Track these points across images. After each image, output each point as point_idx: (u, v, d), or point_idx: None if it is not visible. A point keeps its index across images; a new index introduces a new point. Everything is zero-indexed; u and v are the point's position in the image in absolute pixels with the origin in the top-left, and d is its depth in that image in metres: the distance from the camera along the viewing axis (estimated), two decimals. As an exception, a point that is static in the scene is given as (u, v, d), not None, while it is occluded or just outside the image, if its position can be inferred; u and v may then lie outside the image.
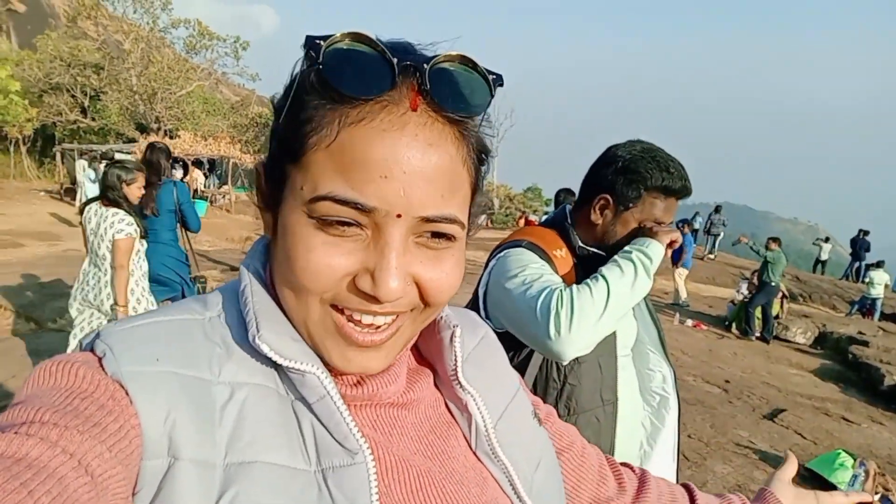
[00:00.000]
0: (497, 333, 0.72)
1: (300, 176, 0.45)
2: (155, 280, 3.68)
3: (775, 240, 9.48)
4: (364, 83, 0.42)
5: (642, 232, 1.33)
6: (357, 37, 0.43)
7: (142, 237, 3.37)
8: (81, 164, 15.56)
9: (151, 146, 4.10)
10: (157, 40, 23.94)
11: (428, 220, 0.45)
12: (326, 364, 0.48)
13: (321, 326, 0.47)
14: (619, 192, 1.34)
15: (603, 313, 1.18)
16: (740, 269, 14.96)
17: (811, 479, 3.73)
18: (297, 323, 0.48)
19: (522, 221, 17.83)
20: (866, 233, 17.48)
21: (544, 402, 0.77)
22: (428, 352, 0.61)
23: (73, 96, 22.73)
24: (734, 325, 9.51)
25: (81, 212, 3.43)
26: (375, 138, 0.42)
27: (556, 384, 1.34)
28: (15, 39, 26.47)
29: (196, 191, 16.94)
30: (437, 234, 0.46)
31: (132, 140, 20.84)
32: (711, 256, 17.70)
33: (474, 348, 0.63)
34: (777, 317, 9.36)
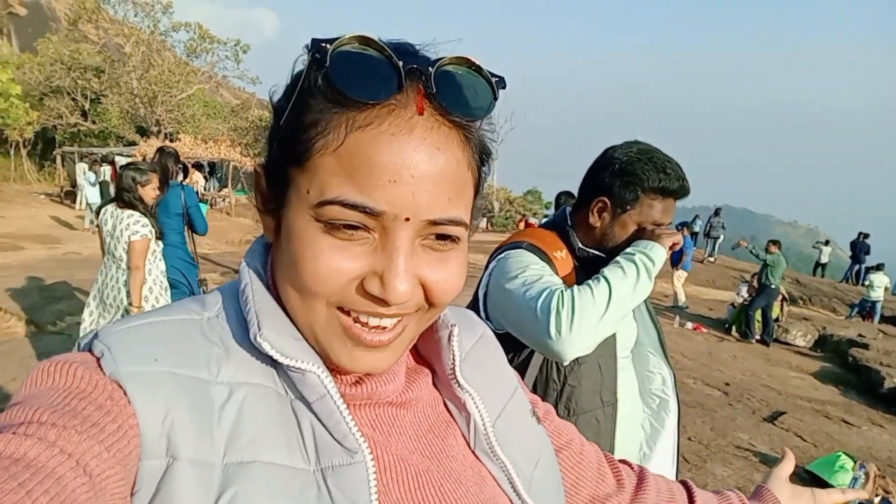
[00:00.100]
0: (497, 335, 0.72)
1: (305, 179, 0.44)
2: None
3: (775, 243, 9.48)
4: (372, 87, 0.42)
5: (644, 234, 1.33)
6: (363, 40, 0.43)
7: (157, 238, 3.40)
8: (82, 168, 15.58)
9: (161, 150, 4.16)
10: (157, 44, 23.95)
11: (435, 222, 0.45)
12: (326, 363, 0.48)
13: (328, 328, 0.47)
14: (617, 194, 1.34)
15: (604, 314, 1.18)
16: (740, 272, 14.97)
17: (811, 481, 3.71)
18: (302, 325, 0.48)
19: (522, 224, 17.84)
20: (866, 236, 17.49)
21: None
22: (426, 351, 0.61)
23: (73, 99, 22.72)
24: (734, 327, 9.49)
25: (97, 214, 3.47)
26: (384, 143, 0.42)
27: (556, 385, 1.34)
28: (16, 42, 26.49)
29: (196, 194, 16.90)
30: (442, 237, 0.46)
31: (132, 143, 20.83)
32: (711, 259, 17.69)
33: (472, 347, 0.63)
34: (777, 319, 9.35)
